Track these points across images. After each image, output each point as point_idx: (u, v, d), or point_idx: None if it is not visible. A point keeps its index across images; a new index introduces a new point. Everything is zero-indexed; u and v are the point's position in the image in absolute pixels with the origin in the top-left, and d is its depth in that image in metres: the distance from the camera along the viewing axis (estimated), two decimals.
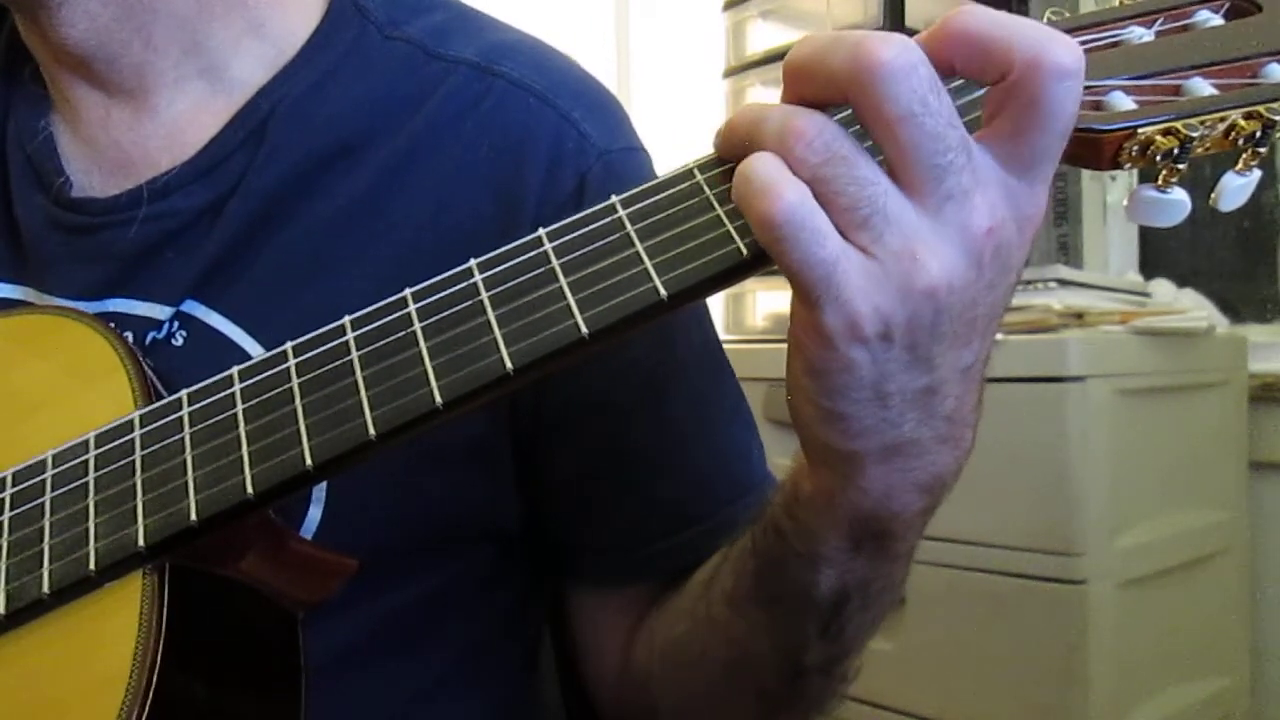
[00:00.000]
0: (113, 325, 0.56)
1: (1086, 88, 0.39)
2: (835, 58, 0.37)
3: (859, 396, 0.40)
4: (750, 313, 1.84)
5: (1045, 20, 0.44)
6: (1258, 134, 0.40)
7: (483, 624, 0.64)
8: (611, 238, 0.42)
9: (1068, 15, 0.44)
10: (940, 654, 1.40)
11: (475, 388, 0.42)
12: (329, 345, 0.46)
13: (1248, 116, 0.40)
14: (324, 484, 0.55)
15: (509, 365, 0.42)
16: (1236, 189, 0.41)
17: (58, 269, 0.60)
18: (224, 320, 0.57)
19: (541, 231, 0.44)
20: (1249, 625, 1.63)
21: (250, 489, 0.44)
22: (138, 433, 0.48)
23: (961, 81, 0.40)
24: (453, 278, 0.45)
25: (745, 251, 0.40)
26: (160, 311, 0.58)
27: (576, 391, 0.58)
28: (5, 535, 0.49)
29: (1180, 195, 0.41)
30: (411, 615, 0.60)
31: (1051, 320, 1.39)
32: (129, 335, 0.57)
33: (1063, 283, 1.47)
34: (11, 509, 0.49)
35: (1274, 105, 0.40)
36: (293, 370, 0.46)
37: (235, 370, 0.48)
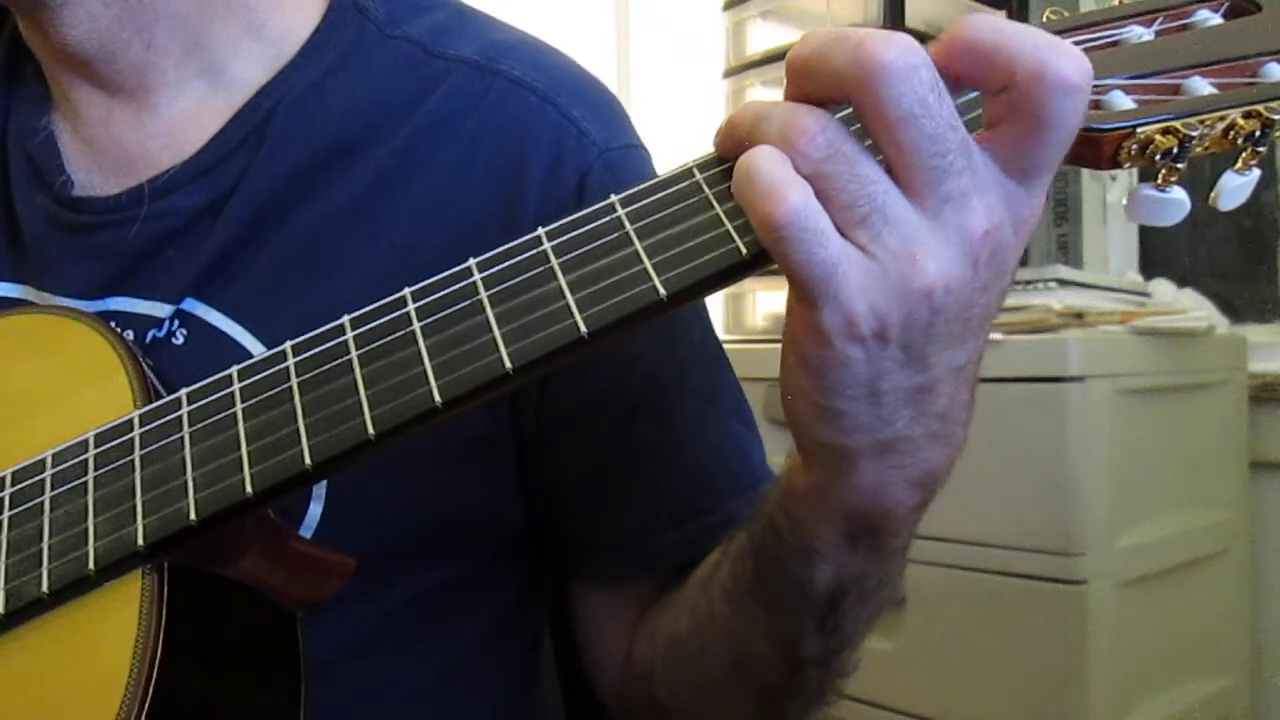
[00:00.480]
0: (113, 324, 0.56)
1: (1091, 76, 0.39)
2: (838, 56, 0.37)
3: (853, 394, 0.40)
4: (750, 313, 1.84)
5: (1045, 19, 0.44)
6: (1257, 133, 0.40)
7: (483, 621, 0.64)
8: (610, 237, 0.42)
9: (1067, 15, 0.44)
10: (940, 654, 1.40)
11: (474, 387, 0.42)
12: (328, 344, 0.46)
13: (1247, 116, 0.40)
14: (324, 482, 0.55)
15: (508, 365, 0.42)
16: (1236, 188, 0.41)
17: (58, 267, 0.60)
18: (224, 318, 0.57)
19: (540, 231, 0.44)
20: (1249, 625, 1.63)
21: (249, 488, 0.44)
22: (137, 432, 0.48)
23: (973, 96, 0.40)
24: (452, 277, 0.45)
25: (745, 251, 0.40)
26: (161, 310, 0.58)
27: (578, 389, 0.59)
28: (4, 534, 0.49)
29: (1180, 194, 0.41)
30: (412, 613, 0.60)
31: (1051, 320, 1.39)
32: (129, 334, 0.57)
33: (1063, 283, 1.47)
34: (11, 508, 0.49)
35: (1273, 104, 0.40)
36: (292, 369, 0.46)
37: (234, 369, 0.48)
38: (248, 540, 0.49)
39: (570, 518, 0.63)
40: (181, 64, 0.60)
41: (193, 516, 0.45)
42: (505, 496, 0.61)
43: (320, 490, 0.55)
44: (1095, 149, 0.40)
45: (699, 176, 0.42)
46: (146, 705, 0.42)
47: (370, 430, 0.43)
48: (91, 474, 0.48)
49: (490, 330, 0.43)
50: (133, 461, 0.47)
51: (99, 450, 0.49)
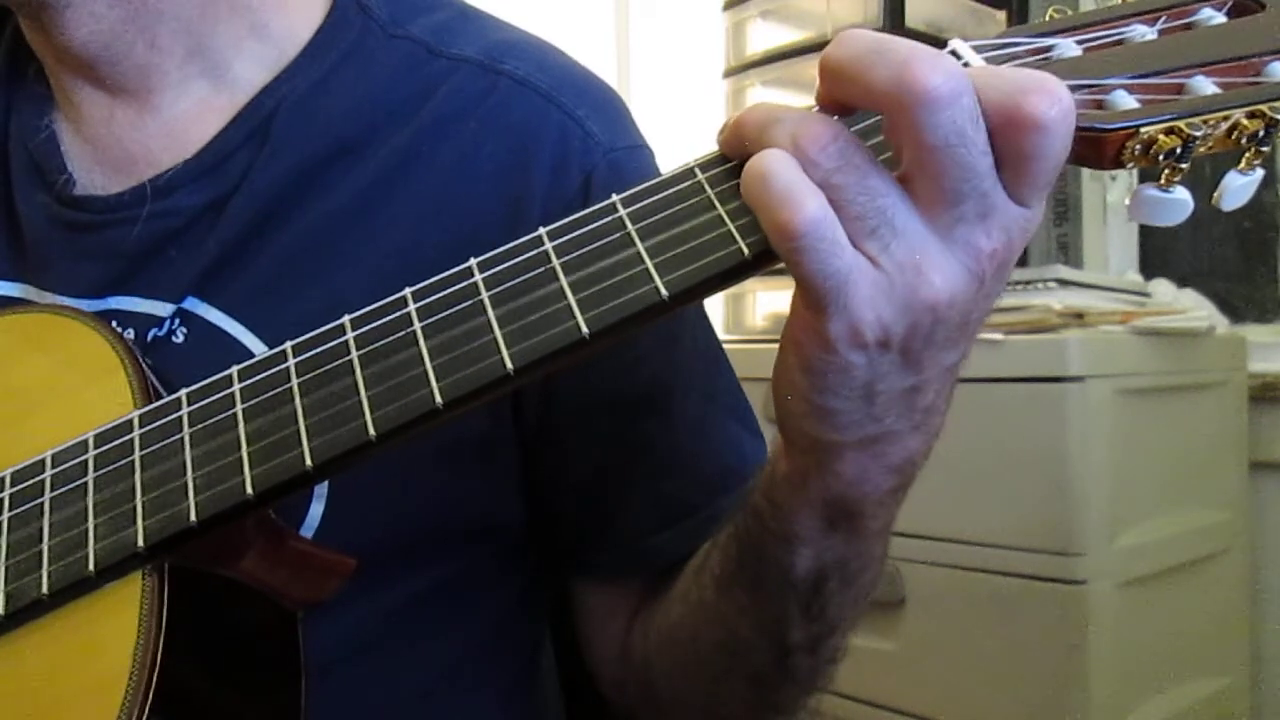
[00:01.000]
0: (114, 323, 0.56)
1: (1089, 86, 0.39)
2: (878, 71, 0.37)
3: (848, 395, 0.41)
4: (750, 313, 1.84)
5: (1048, 18, 0.44)
6: (1260, 133, 0.40)
7: (484, 619, 0.64)
8: (612, 237, 0.42)
9: (1070, 14, 0.44)
10: (940, 654, 1.40)
11: (475, 388, 0.42)
12: (328, 345, 0.46)
13: (1250, 115, 0.40)
14: (325, 481, 0.55)
15: (509, 365, 0.42)
16: (1239, 188, 0.41)
17: (59, 266, 0.60)
18: (225, 317, 0.57)
19: (542, 231, 0.44)
20: (1249, 625, 1.63)
21: (250, 489, 0.44)
22: (137, 432, 0.48)
23: None
24: (452, 277, 0.44)
25: (747, 251, 0.40)
26: (162, 309, 0.58)
27: (580, 389, 0.59)
28: (4, 536, 0.49)
29: (1183, 194, 0.41)
30: (413, 611, 0.60)
31: (1051, 320, 1.39)
32: (130, 333, 0.57)
33: (1063, 283, 1.47)
34: (10, 509, 0.49)
35: (1277, 104, 0.39)
36: (292, 370, 0.46)
37: (235, 370, 0.47)
38: (248, 541, 0.49)
39: (570, 516, 0.63)
40: (184, 64, 0.60)
41: (193, 518, 0.45)
42: (506, 496, 0.61)
43: (321, 490, 0.55)
44: (1098, 149, 0.40)
45: (701, 176, 0.42)
46: (147, 706, 0.42)
47: (371, 431, 0.43)
48: (91, 475, 0.48)
49: (491, 331, 0.42)
50: (133, 462, 0.47)
51: (99, 451, 0.49)
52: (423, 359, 0.43)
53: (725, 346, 0.66)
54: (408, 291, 0.45)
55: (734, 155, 0.41)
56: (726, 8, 1.91)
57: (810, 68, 1.66)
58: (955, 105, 0.36)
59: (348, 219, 0.58)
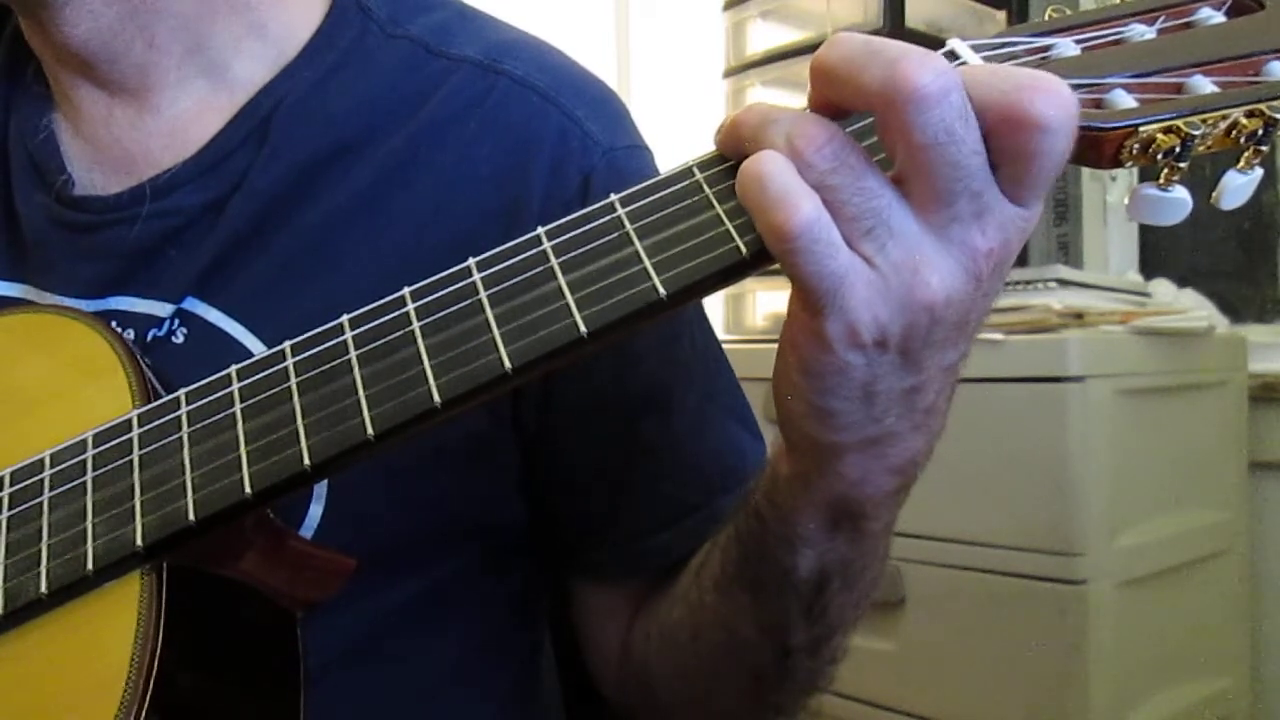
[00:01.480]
0: (114, 323, 0.56)
1: (1088, 85, 0.39)
2: (869, 72, 0.37)
3: (848, 395, 0.41)
4: (750, 313, 1.84)
5: (1047, 18, 0.44)
6: (1259, 132, 0.40)
7: (484, 619, 0.64)
8: (610, 236, 0.42)
9: (1069, 13, 0.44)
10: (940, 654, 1.40)
11: (474, 387, 0.42)
12: (327, 344, 0.46)
13: (1249, 114, 0.40)
14: (324, 482, 0.55)
15: (508, 364, 0.42)
16: (1238, 187, 0.41)
17: (59, 267, 0.60)
18: (225, 317, 0.57)
19: (540, 230, 0.44)
20: (1249, 625, 1.63)
21: (248, 488, 0.44)
22: (136, 432, 0.48)
23: None
24: (451, 277, 0.44)
25: (745, 250, 0.40)
26: (161, 309, 0.58)
27: (579, 389, 0.59)
28: (3, 535, 0.49)
29: (1182, 194, 0.41)
30: (412, 612, 0.60)
31: (1051, 320, 1.39)
32: (130, 333, 0.57)
33: (1063, 283, 1.47)
34: (9, 508, 0.49)
35: (1275, 103, 0.40)
36: (291, 369, 0.46)
37: (233, 369, 0.47)
38: (247, 540, 0.49)
39: (569, 516, 0.63)
40: (183, 63, 0.60)
41: (191, 517, 0.45)
42: (505, 496, 0.61)
43: (320, 491, 0.55)
44: (1097, 148, 0.40)
45: (699, 176, 0.42)
46: (145, 706, 0.42)
47: (369, 430, 0.43)
48: (90, 474, 0.48)
49: (490, 330, 0.42)
50: (131, 462, 0.47)
51: (98, 450, 0.49)
52: (421, 358, 0.43)
53: (725, 346, 0.66)
54: (406, 291, 0.45)
55: (731, 155, 0.41)
56: (726, 8, 1.91)
57: None
58: (944, 103, 0.36)
59: (347, 219, 0.58)
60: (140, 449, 0.48)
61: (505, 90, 0.60)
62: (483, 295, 0.43)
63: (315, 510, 0.55)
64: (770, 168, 0.38)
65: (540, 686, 0.69)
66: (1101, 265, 1.91)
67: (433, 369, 0.43)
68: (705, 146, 0.43)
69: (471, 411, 0.43)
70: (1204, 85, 0.40)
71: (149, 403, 0.50)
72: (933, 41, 0.39)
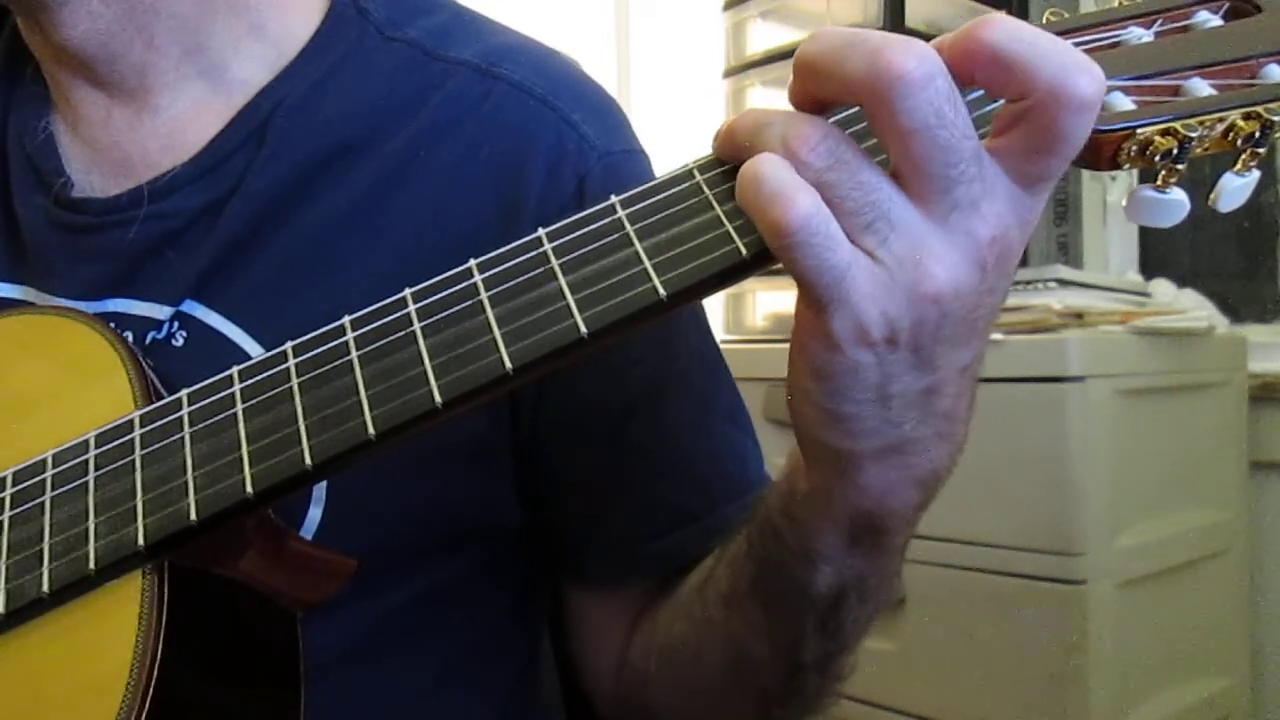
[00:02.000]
0: (113, 325, 0.56)
1: (1105, 90, 0.39)
2: (852, 62, 0.37)
3: (862, 398, 0.40)
4: (750, 313, 1.84)
5: (1045, 20, 0.44)
6: (1256, 134, 0.40)
7: (483, 622, 0.64)
8: (611, 238, 0.42)
9: (1067, 16, 0.44)
10: (940, 654, 1.40)
11: (474, 387, 0.42)
12: (329, 345, 0.46)
13: (1247, 117, 0.40)
14: (324, 484, 0.55)
15: (508, 365, 0.42)
16: (1235, 189, 0.41)
17: (58, 269, 0.60)
18: (223, 320, 0.57)
19: (541, 232, 0.44)
20: (1249, 625, 1.63)
21: (250, 488, 0.44)
22: (138, 432, 0.48)
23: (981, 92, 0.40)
24: (452, 278, 0.45)
25: (745, 251, 0.40)
26: (160, 312, 0.58)
27: (578, 391, 0.59)
28: (5, 534, 0.49)
29: (1179, 195, 0.41)
30: (411, 614, 0.60)
31: (1051, 320, 1.39)
32: (129, 335, 0.57)
33: (1063, 283, 1.47)
34: (11, 508, 0.49)
35: (1272, 106, 0.40)
36: (292, 370, 0.46)
37: (235, 370, 0.48)
38: (248, 541, 0.49)
39: (566, 520, 0.63)
40: (182, 64, 0.60)
41: (193, 516, 0.45)
42: (504, 498, 0.61)
43: (320, 493, 0.55)
44: (1095, 150, 0.40)
45: (699, 178, 0.42)
46: (146, 705, 0.42)
47: (370, 430, 0.43)
48: (92, 474, 0.48)
49: (490, 331, 0.43)
50: (133, 462, 0.47)
51: (100, 450, 0.49)
52: (422, 358, 0.43)
53: (725, 347, 0.65)
54: (408, 292, 0.45)
55: (729, 161, 0.41)
56: (726, 8, 1.91)
57: None
58: (930, 87, 0.36)
59: (345, 221, 0.58)
60: (142, 449, 0.48)
61: (503, 94, 0.60)
62: (484, 296, 0.43)
63: (315, 512, 0.55)
64: (765, 168, 0.38)
65: (540, 687, 0.69)
66: (1101, 265, 1.91)
67: (434, 369, 0.43)
68: (705, 147, 0.43)
69: (470, 415, 0.43)
70: (1201, 88, 0.40)
71: (151, 403, 0.50)
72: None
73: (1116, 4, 0.44)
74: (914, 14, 1.66)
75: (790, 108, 0.41)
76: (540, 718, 0.69)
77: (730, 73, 1.89)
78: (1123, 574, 1.33)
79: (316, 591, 0.52)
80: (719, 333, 0.65)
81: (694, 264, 0.41)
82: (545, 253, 0.43)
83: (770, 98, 1.82)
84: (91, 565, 0.46)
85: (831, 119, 0.40)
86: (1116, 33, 0.43)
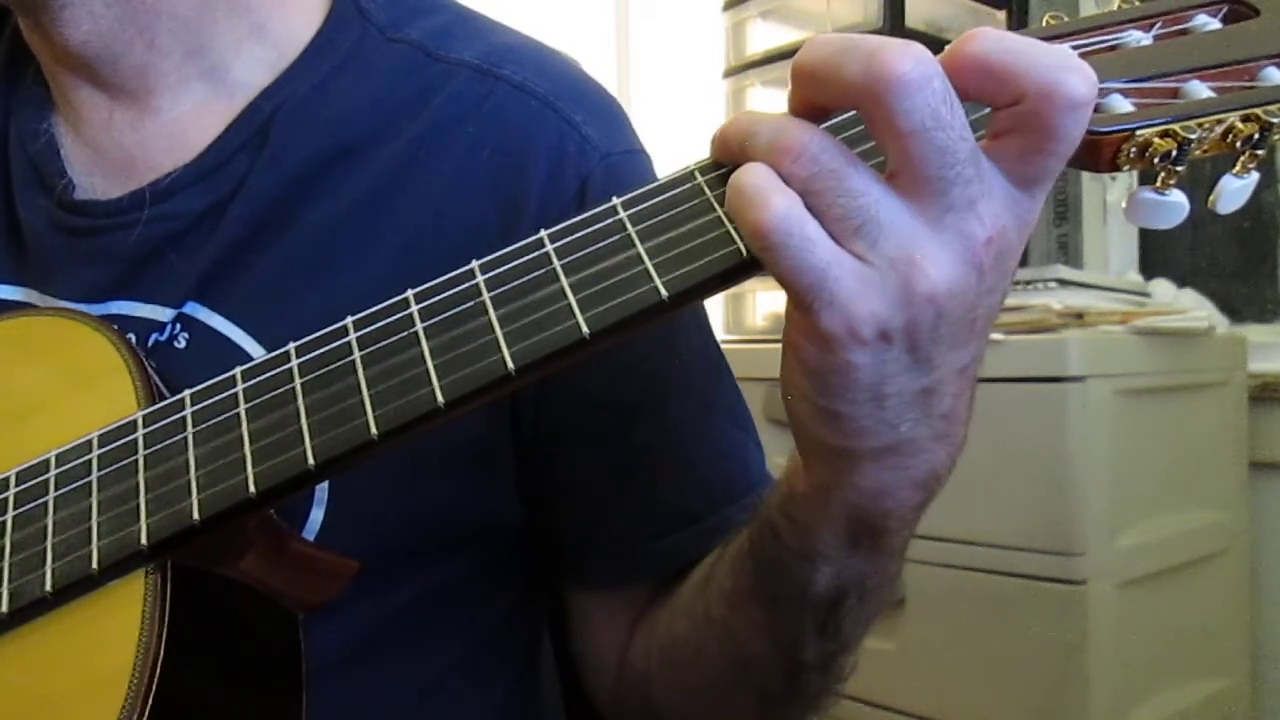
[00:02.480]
0: (115, 327, 0.56)
1: (1097, 90, 0.39)
2: (849, 67, 0.37)
3: (857, 397, 0.40)
4: (750, 313, 1.84)
5: (1045, 23, 0.44)
6: (1255, 136, 0.40)
7: (484, 622, 0.64)
8: (613, 238, 0.42)
9: (1067, 19, 0.44)
10: (940, 654, 1.40)
11: (477, 387, 0.42)
12: (331, 345, 0.46)
13: (1245, 119, 0.40)
14: (326, 485, 0.55)
15: (510, 365, 0.42)
16: (1235, 191, 0.42)
17: (60, 271, 0.60)
18: (226, 322, 0.57)
19: (543, 233, 0.44)
20: (1249, 625, 1.63)
21: (252, 488, 0.44)
22: (141, 432, 0.48)
23: None
24: (455, 279, 0.45)
25: (745, 252, 0.40)
26: (162, 313, 0.58)
27: (578, 392, 0.59)
28: (8, 534, 0.49)
29: (1179, 197, 0.41)
30: (413, 614, 0.60)
31: (1051, 320, 1.39)
32: (131, 337, 0.57)
33: (1063, 283, 1.47)
34: (15, 508, 0.49)
35: (1271, 108, 0.40)
36: (295, 370, 0.46)
37: (238, 370, 0.48)
38: (250, 541, 0.49)
39: (566, 521, 0.63)
40: (183, 65, 0.60)
41: (196, 516, 0.45)
42: (505, 499, 0.62)
43: (322, 494, 0.55)
44: (1094, 152, 0.40)
45: (700, 179, 0.42)
46: (149, 705, 0.43)
47: (373, 430, 0.43)
48: (95, 474, 0.48)
49: (493, 331, 0.43)
50: (136, 462, 0.48)
51: (103, 450, 0.49)
52: (424, 359, 0.44)
53: (725, 347, 0.65)
54: (410, 293, 0.45)
55: (725, 163, 0.42)
56: (726, 8, 1.91)
57: None
58: (926, 89, 0.36)
59: (347, 223, 0.58)
60: (145, 449, 0.48)
61: (504, 95, 0.60)
62: (486, 297, 0.43)
63: (317, 513, 0.55)
64: (747, 176, 0.38)
65: (540, 687, 0.69)
66: (1101, 265, 1.91)
67: (436, 369, 0.43)
68: (705, 147, 0.43)
69: (472, 415, 0.43)
70: (1200, 90, 0.40)
71: (153, 404, 0.50)
72: (933, 42, 0.39)
73: (1116, 7, 0.44)
74: (914, 14, 1.66)
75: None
76: (540, 717, 0.70)
77: (730, 73, 1.90)
78: (1123, 574, 1.34)
79: (318, 592, 0.52)
80: (719, 333, 0.65)
81: (695, 264, 0.41)
82: (547, 253, 0.43)
83: (770, 98, 1.82)
84: (94, 565, 0.46)
85: (830, 122, 0.40)
86: (1116, 35, 0.43)
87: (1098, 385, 1.33)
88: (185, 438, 0.47)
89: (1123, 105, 0.40)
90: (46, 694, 0.46)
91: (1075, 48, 0.42)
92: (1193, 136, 0.39)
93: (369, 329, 0.45)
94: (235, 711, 0.49)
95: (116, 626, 0.45)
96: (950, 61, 0.38)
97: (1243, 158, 0.41)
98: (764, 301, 1.82)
